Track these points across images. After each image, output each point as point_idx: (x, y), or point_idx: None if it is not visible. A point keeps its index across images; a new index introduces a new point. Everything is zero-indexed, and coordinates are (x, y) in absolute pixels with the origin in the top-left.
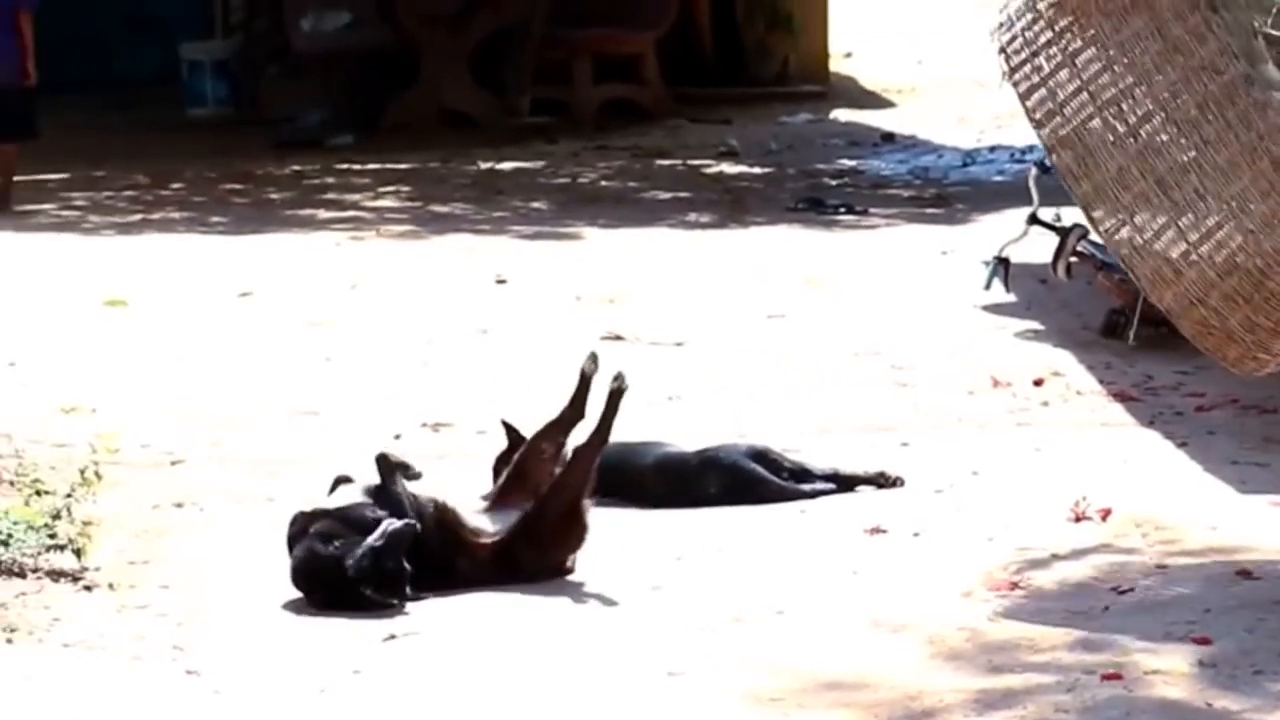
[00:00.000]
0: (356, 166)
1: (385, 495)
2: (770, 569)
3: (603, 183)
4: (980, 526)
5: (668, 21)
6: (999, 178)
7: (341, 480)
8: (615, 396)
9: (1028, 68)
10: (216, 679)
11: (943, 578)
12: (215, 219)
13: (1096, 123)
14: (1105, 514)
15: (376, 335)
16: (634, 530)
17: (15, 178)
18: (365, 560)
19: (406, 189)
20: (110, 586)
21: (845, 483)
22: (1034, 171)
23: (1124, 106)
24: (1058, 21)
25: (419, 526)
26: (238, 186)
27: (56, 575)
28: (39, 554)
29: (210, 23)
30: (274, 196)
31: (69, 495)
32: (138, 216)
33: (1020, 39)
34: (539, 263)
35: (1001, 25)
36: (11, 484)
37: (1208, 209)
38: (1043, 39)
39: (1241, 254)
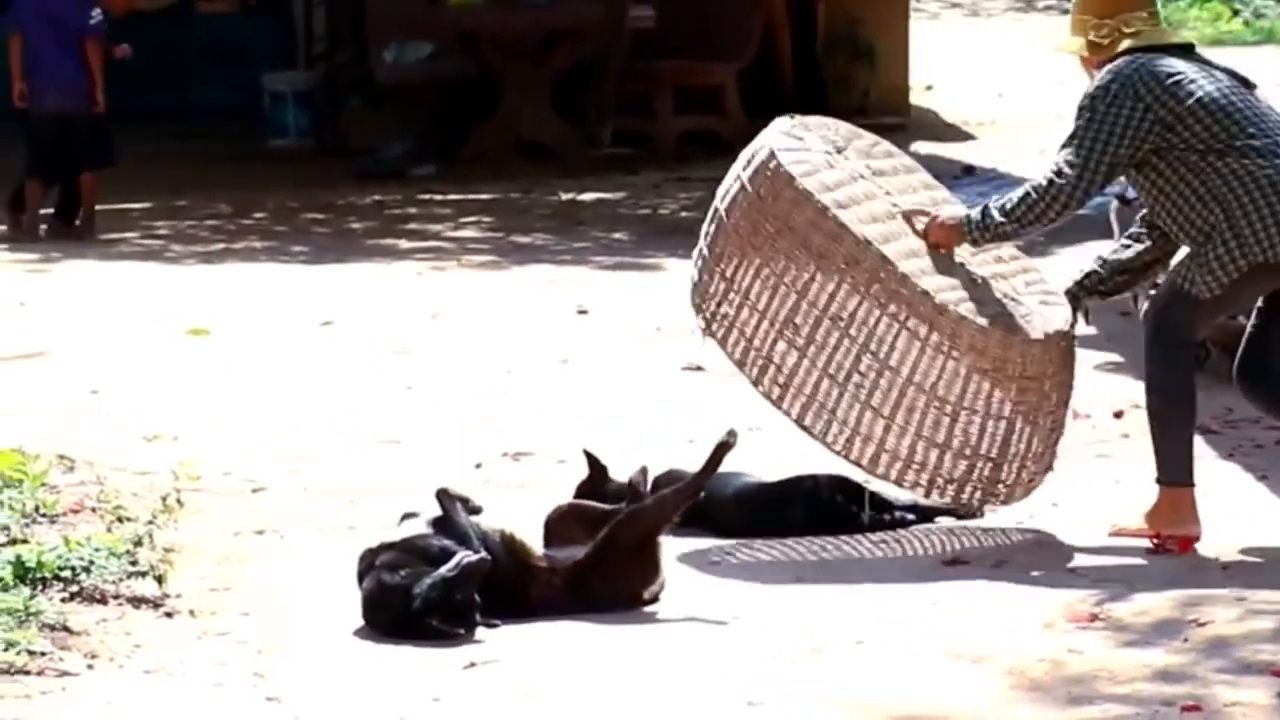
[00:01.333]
0: (438, 197)
1: (449, 526)
2: (850, 599)
3: (683, 214)
4: (1060, 558)
5: (749, 53)
6: (1079, 211)
7: (407, 516)
8: (721, 450)
9: (718, 319)
10: (297, 706)
11: (1023, 609)
12: (297, 248)
13: (781, 344)
14: (1185, 545)
15: (457, 365)
16: (713, 560)
17: (98, 206)
18: (435, 591)
19: (488, 219)
20: (191, 613)
21: (925, 513)
22: (1114, 204)
23: (796, 321)
24: (726, 268)
25: (490, 559)
26: (319, 216)
27: (138, 602)
28: (120, 580)
29: (292, 54)
30: (355, 226)
31: (151, 522)
32: (220, 245)
33: (705, 294)
34: (620, 293)
35: (693, 287)
36: (94, 511)
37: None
38: (720, 288)
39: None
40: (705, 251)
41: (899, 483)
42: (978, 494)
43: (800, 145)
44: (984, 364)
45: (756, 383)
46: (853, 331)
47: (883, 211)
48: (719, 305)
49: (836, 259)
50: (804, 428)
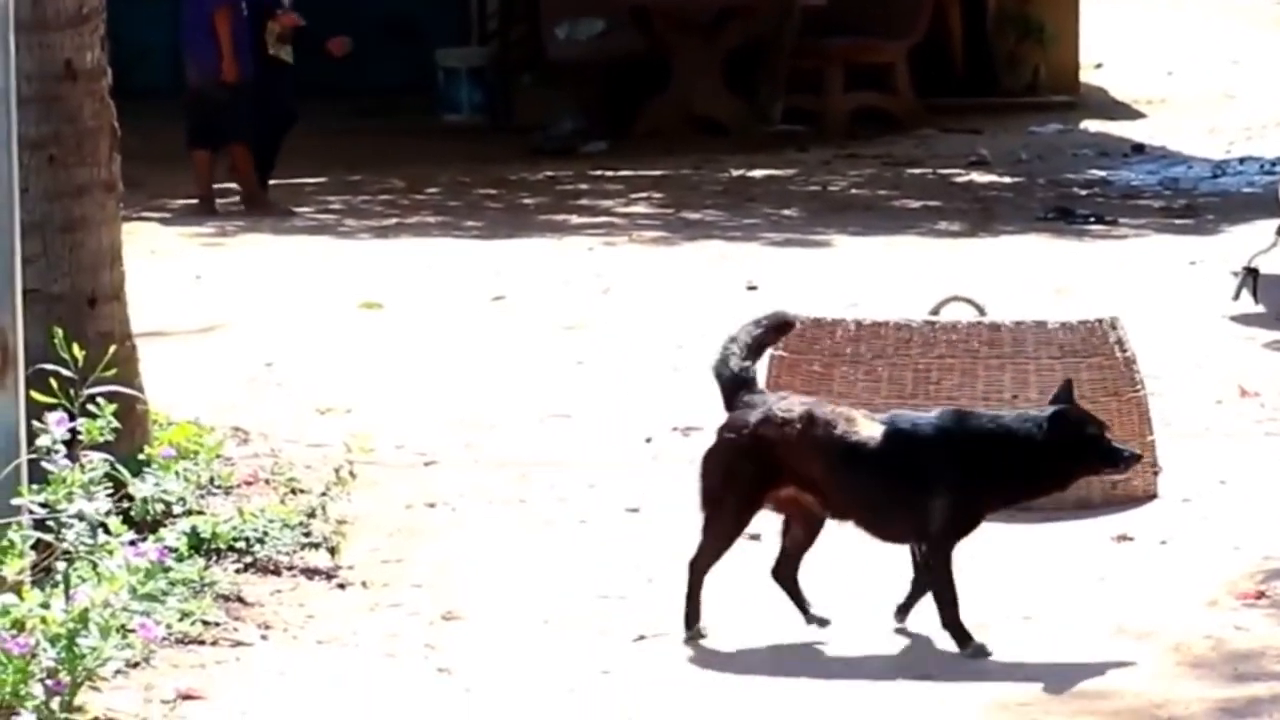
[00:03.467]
0: (609, 173)
1: None
2: (1017, 575)
3: (853, 191)
4: (1227, 536)
5: (919, 31)
6: (1249, 189)
7: None
8: None
9: None
10: (467, 677)
11: (1188, 586)
12: (469, 223)
13: None
14: None
15: (628, 339)
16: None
17: (274, 181)
18: None
19: (659, 195)
20: (363, 584)
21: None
22: None
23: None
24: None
25: None
26: (492, 192)
27: (311, 573)
28: (294, 552)
29: (466, 30)
30: (527, 202)
31: (324, 494)
32: (393, 220)
33: None
34: (790, 269)
35: None
36: (267, 482)
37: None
38: None
39: None
40: None
41: None
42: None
43: None
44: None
45: None
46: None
47: None
48: None
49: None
50: None
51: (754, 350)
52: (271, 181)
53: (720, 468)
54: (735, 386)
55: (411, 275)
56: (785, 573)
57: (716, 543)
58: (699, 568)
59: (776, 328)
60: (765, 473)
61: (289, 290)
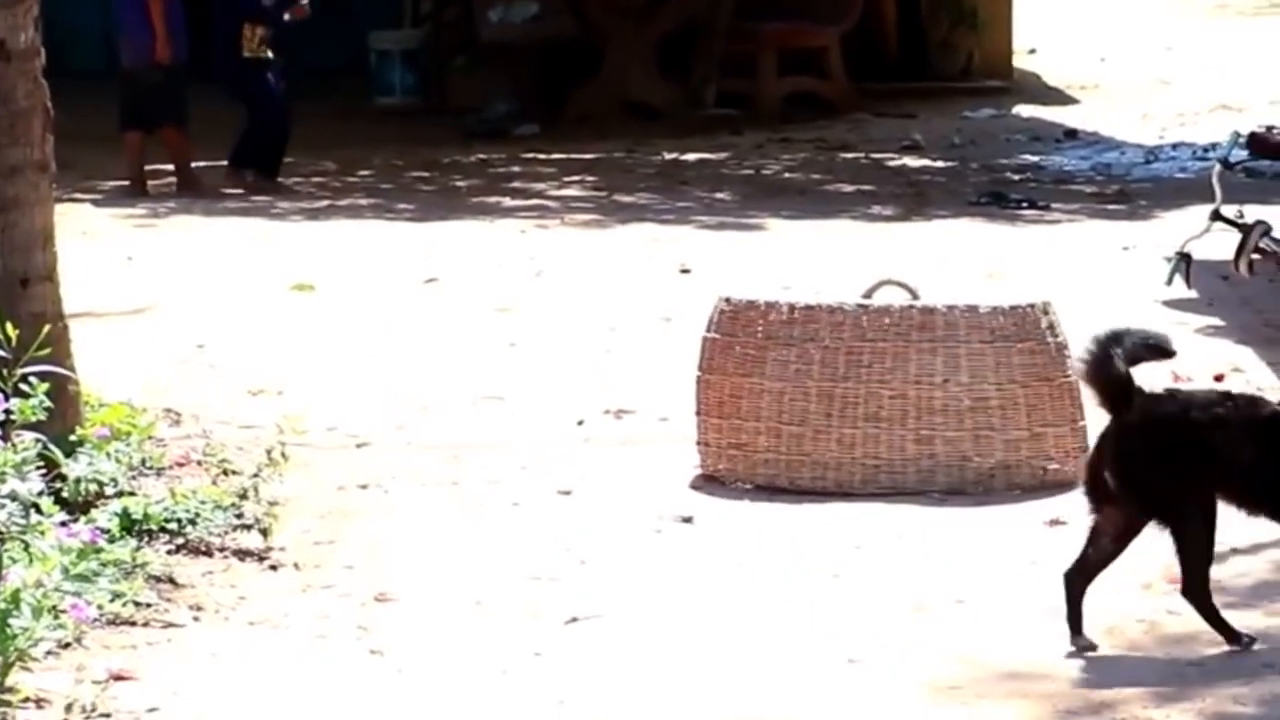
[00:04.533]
0: (542, 156)
1: None
2: (950, 559)
3: (786, 174)
4: None
5: (853, 16)
6: (1181, 174)
7: None
8: None
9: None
10: (400, 659)
11: (1122, 570)
12: (402, 206)
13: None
14: None
15: (560, 322)
16: (814, 518)
17: (201, 163)
18: None
19: (591, 178)
20: (295, 566)
21: None
22: (1217, 168)
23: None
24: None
25: None
26: (424, 174)
27: (243, 554)
28: (226, 533)
29: (399, 12)
30: (460, 184)
31: (256, 475)
32: (325, 203)
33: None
34: (723, 253)
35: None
36: (199, 464)
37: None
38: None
39: None
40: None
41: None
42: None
43: None
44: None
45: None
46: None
47: None
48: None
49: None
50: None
51: (1133, 360)
52: (200, 164)
53: (1172, 469)
54: (1121, 387)
55: (344, 257)
56: (1077, 584)
57: (1205, 552)
58: (1202, 593)
59: (1161, 351)
60: (1209, 464)
61: (221, 272)
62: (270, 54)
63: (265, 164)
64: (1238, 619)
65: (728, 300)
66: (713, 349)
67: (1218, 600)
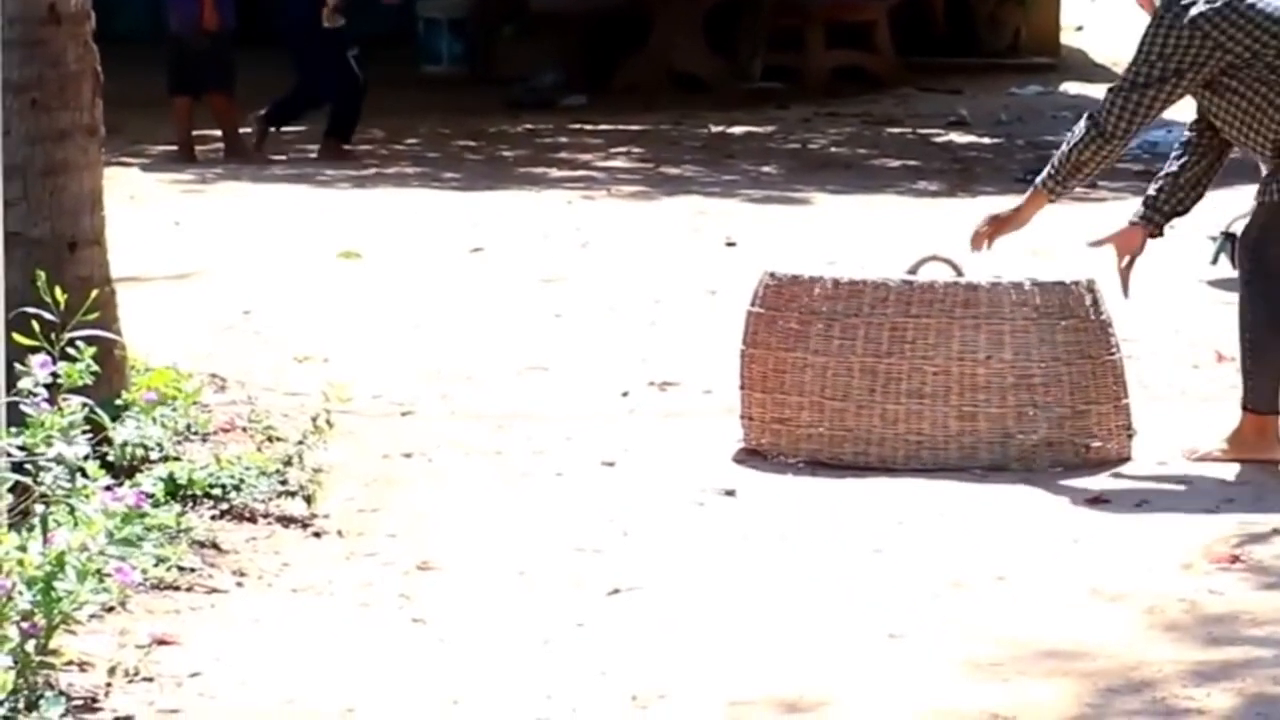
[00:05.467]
0: (589, 126)
1: None
2: (992, 535)
3: (833, 149)
4: (1202, 499)
5: None
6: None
7: None
8: None
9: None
10: (442, 628)
11: (1164, 549)
12: (449, 175)
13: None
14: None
15: (605, 293)
16: (856, 493)
17: (246, 129)
18: None
19: (638, 150)
20: (339, 534)
21: None
22: None
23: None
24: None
25: None
26: (471, 144)
27: (286, 521)
28: (270, 500)
29: None
30: (507, 154)
31: (300, 443)
32: (372, 170)
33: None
34: (768, 226)
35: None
36: (244, 430)
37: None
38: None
39: None
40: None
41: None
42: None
43: None
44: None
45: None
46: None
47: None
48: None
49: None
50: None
51: None
52: (246, 130)
53: None
54: None
55: (390, 225)
56: None
57: None
58: None
59: None
60: None
61: (267, 238)
62: (343, 23)
63: (341, 128)
64: (1279, 598)
65: (772, 275)
66: (757, 323)
67: (1261, 579)
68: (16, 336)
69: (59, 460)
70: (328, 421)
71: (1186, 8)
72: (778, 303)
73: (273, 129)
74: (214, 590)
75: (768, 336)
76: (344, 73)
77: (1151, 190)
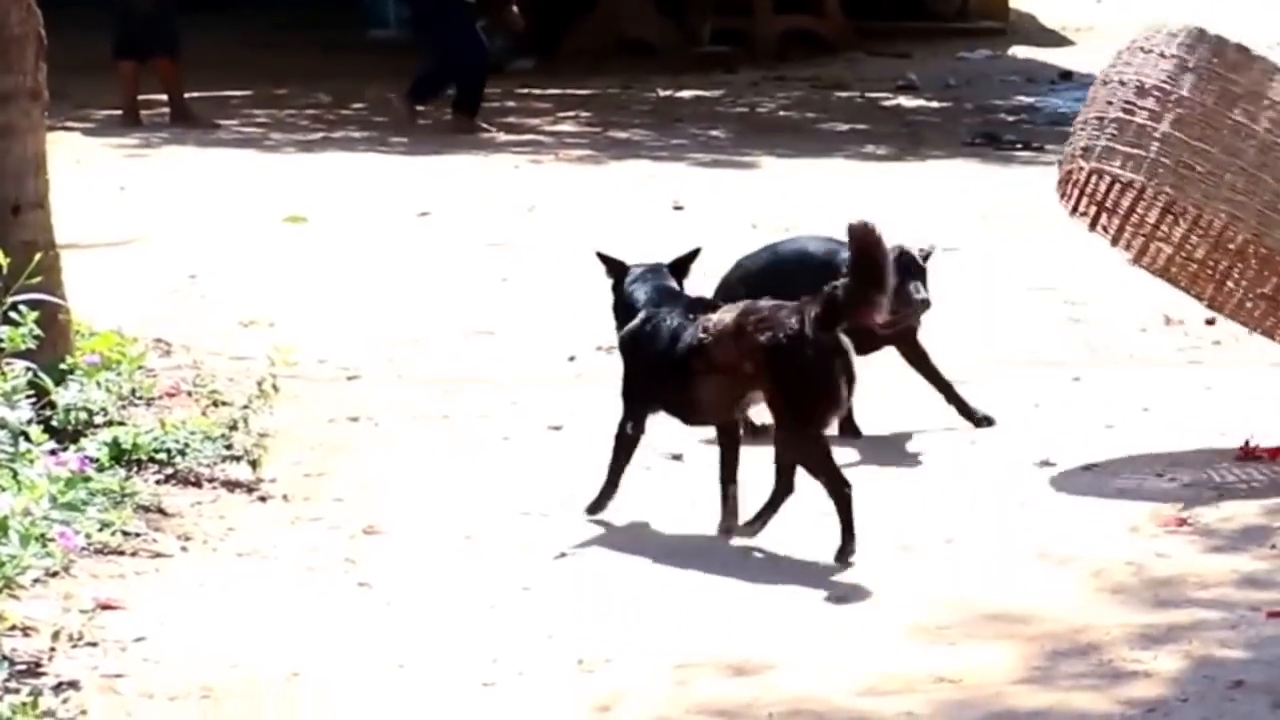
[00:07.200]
0: (536, 91)
1: None
2: (939, 499)
3: (781, 113)
4: (1149, 462)
5: None
6: None
7: None
8: None
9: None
10: (388, 592)
11: (1111, 512)
12: (395, 139)
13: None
14: (1274, 453)
15: (553, 258)
16: None
17: (194, 94)
18: None
19: (586, 114)
20: (284, 498)
21: None
22: None
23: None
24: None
25: None
26: (418, 108)
27: (232, 486)
28: (215, 464)
29: None
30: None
31: (246, 407)
32: (319, 135)
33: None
34: (716, 190)
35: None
36: (189, 394)
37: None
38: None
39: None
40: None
41: None
42: None
43: None
44: None
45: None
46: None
47: None
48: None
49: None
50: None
51: None
52: (192, 95)
53: None
54: None
55: (336, 190)
56: None
57: None
58: None
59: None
60: None
61: (213, 203)
62: None
63: (469, 102)
64: (1225, 561)
65: None
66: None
67: (1207, 542)
68: None
69: (2, 424)
70: (273, 386)
71: None
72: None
73: (419, 107)
74: (159, 555)
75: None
76: (475, 44)
77: None
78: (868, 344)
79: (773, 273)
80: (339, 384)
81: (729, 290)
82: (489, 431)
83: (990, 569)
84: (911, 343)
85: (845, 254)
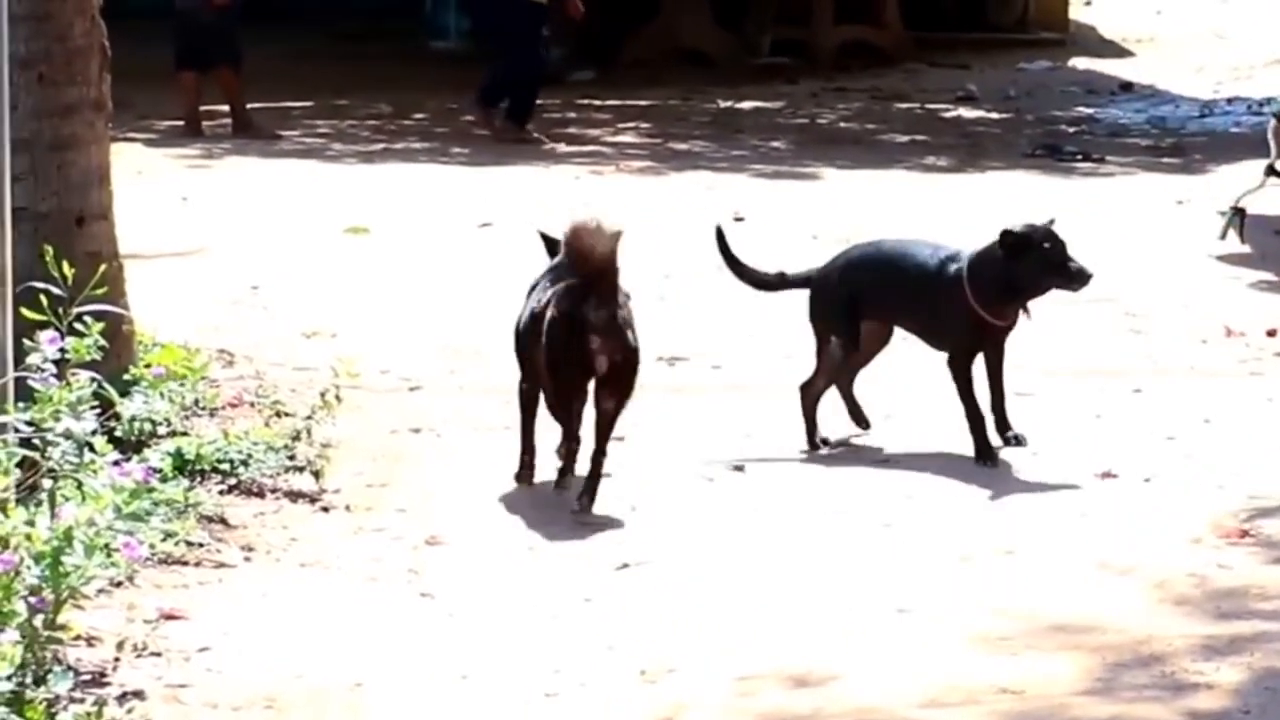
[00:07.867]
0: (597, 102)
1: None
2: (1000, 509)
3: (841, 124)
4: (1210, 474)
5: None
6: (1236, 129)
7: None
8: None
9: None
10: (450, 602)
11: (1172, 523)
12: (456, 150)
13: None
14: None
15: None
16: (866, 470)
17: (256, 105)
18: None
19: (646, 125)
20: (347, 508)
21: None
22: (1273, 123)
23: None
24: None
25: None
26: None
27: (295, 496)
28: (278, 475)
29: None
30: None
31: (309, 418)
32: (380, 146)
33: None
34: (777, 201)
35: None
36: (252, 405)
37: None
38: None
39: None
40: None
41: None
42: None
43: None
44: None
45: None
46: None
47: None
48: None
49: None
50: None
51: None
52: (253, 106)
53: None
54: None
55: (398, 201)
56: None
57: None
58: None
59: None
60: None
61: (275, 213)
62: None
63: (519, 111)
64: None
65: None
66: None
67: (1269, 553)
68: (24, 311)
69: (67, 435)
70: (336, 396)
71: None
72: None
73: (492, 107)
74: (222, 565)
75: None
76: (534, 58)
77: None
78: (990, 336)
79: (867, 264)
80: (401, 395)
81: (825, 276)
82: (550, 443)
83: (1052, 580)
84: (1003, 342)
85: (943, 253)
